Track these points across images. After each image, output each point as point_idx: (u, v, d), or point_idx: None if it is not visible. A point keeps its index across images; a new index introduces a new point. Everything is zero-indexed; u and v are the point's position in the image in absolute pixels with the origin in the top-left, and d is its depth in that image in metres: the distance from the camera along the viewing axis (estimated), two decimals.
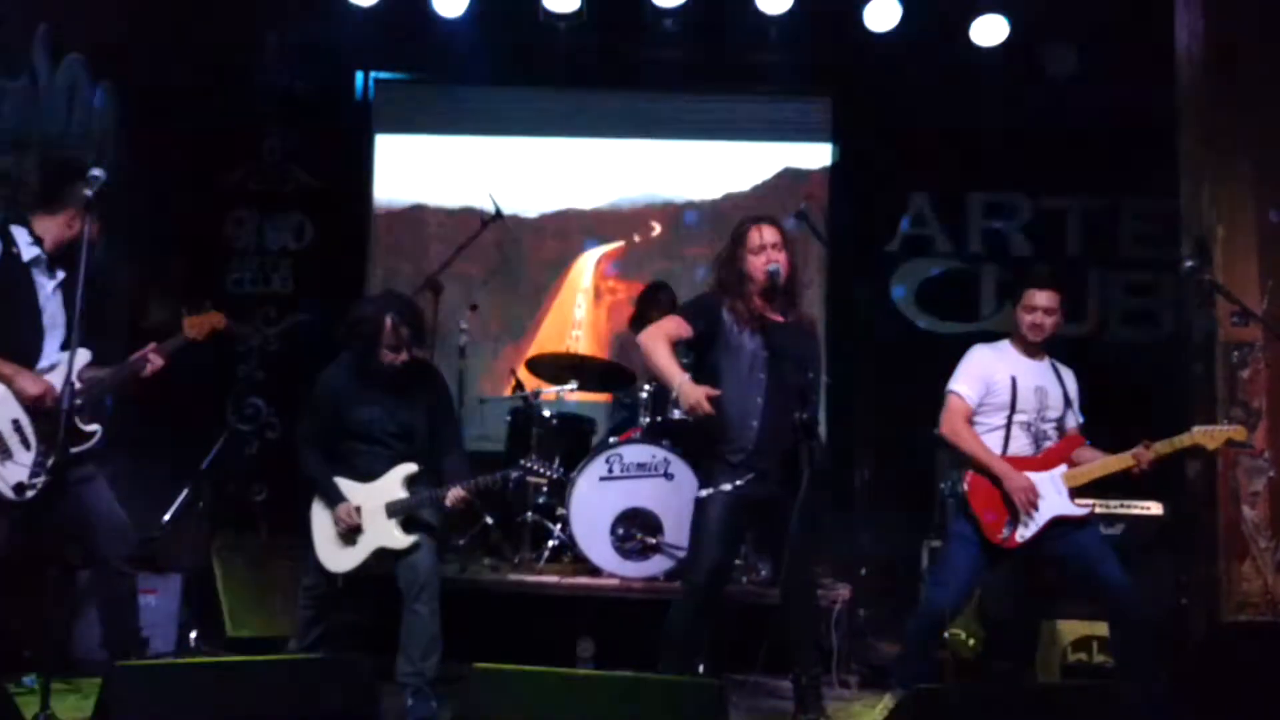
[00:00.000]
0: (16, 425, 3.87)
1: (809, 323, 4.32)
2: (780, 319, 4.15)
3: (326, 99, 7.23)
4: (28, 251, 3.96)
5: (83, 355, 4.04)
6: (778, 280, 4.05)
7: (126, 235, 5.89)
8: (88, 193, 3.72)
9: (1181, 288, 5.67)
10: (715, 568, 4.07)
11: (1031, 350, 4.39)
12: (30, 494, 3.82)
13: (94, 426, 4.03)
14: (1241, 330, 5.09)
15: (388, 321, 4.38)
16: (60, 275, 4.05)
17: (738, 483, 4.04)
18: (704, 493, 4.10)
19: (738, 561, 5.28)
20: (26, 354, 3.95)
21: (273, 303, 7.16)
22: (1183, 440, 4.21)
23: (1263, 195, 5.26)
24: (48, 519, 4.02)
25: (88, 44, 6.07)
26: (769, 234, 4.10)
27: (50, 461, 3.80)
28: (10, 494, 3.81)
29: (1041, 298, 4.31)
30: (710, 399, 3.92)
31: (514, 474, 4.54)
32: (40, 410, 3.88)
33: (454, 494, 4.41)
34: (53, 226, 4.02)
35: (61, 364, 3.87)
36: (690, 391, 3.88)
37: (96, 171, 3.78)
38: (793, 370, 4.04)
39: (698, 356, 4.21)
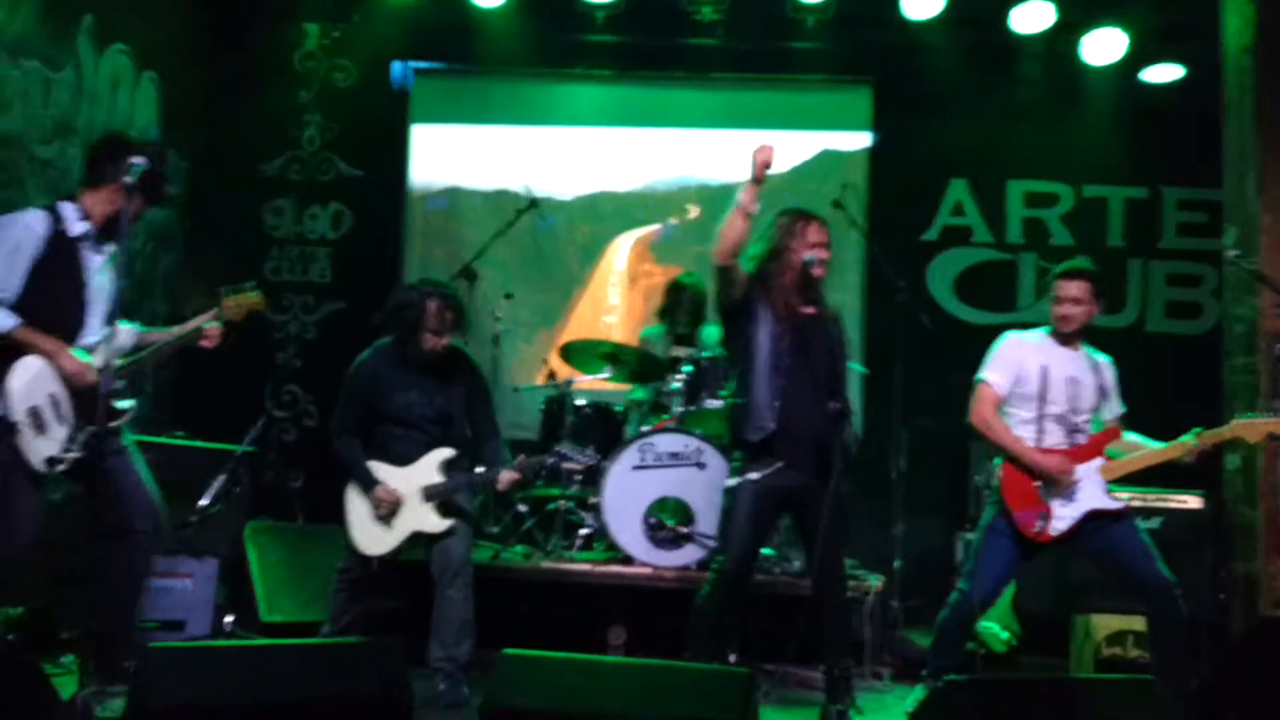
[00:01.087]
0: (54, 400, 3.91)
1: (833, 313, 4.30)
2: (810, 310, 4.14)
3: (364, 89, 7.27)
4: (76, 228, 4.00)
5: (127, 334, 4.12)
6: (814, 273, 4.05)
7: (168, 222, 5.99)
8: (128, 179, 3.76)
9: (1224, 278, 5.58)
10: (743, 556, 4.08)
11: (1066, 340, 4.33)
12: (60, 468, 3.86)
13: (128, 403, 4.06)
14: None
15: (431, 306, 4.42)
16: (108, 250, 4.09)
17: (766, 471, 4.04)
18: (732, 481, 4.12)
19: (769, 551, 5.30)
20: (71, 329, 3.99)
21: (311, 291, 7.22)
22: (1223, 432, 4.14)
23: None
24: (83, 493, 4.10)
25: (132, 35, 6.15)
26: (819, 232, 4.13)
27: (83, 437, 3.84)
28: (41, 467, 3.86)
29: (1071, 288, 4.26)
30: (740, 384, 4.06)
31: (549, 460, 4.56)
32: (78, 387, 3.93)
33: (506, 476, 4.44)
34: (99, 202, 4.04)
35: (104, 339, 3.91)
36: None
37: (138, 159, 3.82)
38: (821, 360, 4.05)
39: (731, 328, 4.21)
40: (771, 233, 4.18)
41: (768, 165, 3.97)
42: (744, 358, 4.11)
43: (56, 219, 3.97)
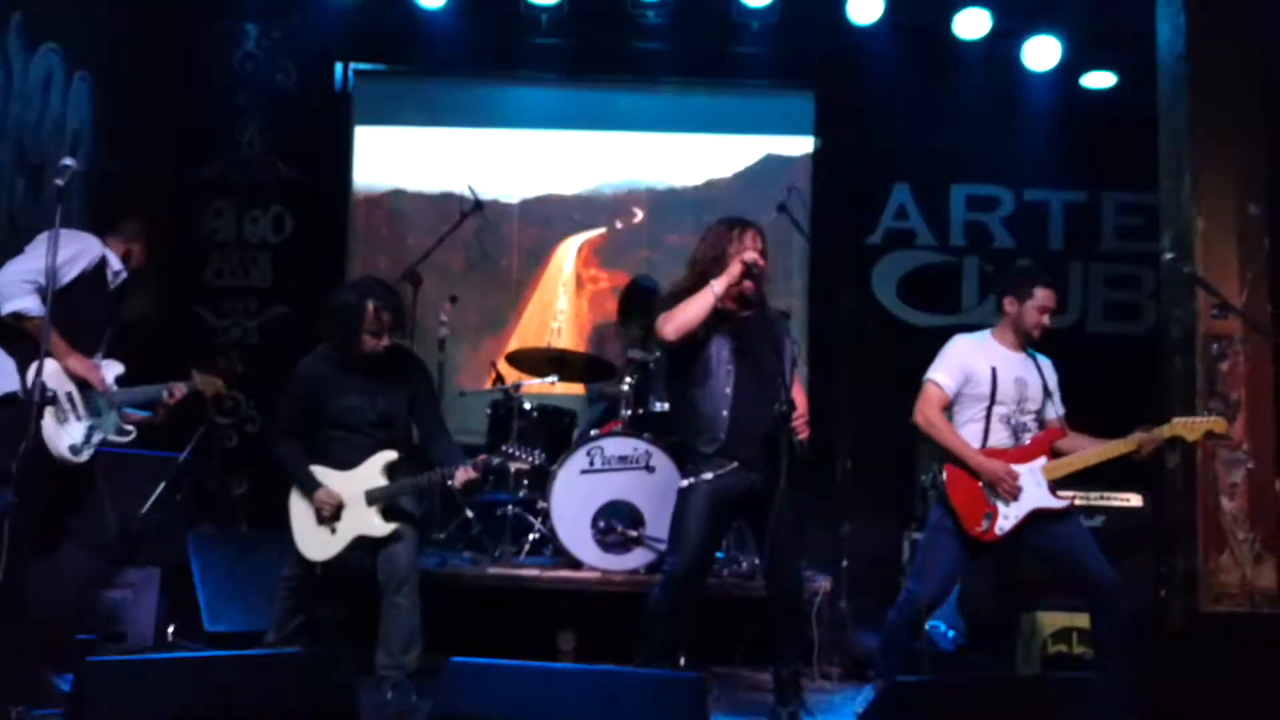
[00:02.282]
0: (70, 398, 4.10)
1: (775, 313, 4.30)
2: (749, 313, 4.14)
3: (306, 90, 7.17)
4: (115, 263, 4.29)
5: (116, 367, 4.31)
6: (757, 277, 4.05)
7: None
8: (59, 182, 3.71)
9: (1162, 281, 5.68)
10: (694, 558, 4.05)
11: (1012, 342, 4.39)
12: (83, 456, 4.09)
13: (131, 427, 4.32)
14: (1221, 323, 5.11)
15: (369, 306, 4.37)
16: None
17: (719, 472, 4.03)
18: (685, 482, 4.10)
19: (719, 554, 5.29)
20: (83, 348, 4.19)
21: (252, 295, 7.11)
22: (1163, 431, 4.22)
23: (1242, 188, 5.28)
24: (51, 496, 4.10)
25: (64, 34, 6.00)
26: (756, 239, 4.13)
27: (98, 436, 4.14)
28: (67, 454, 4.04)
29: (1052, 298, 4.36)
30: (686, 392, 4.04)
31: (495, 460, 4.52)
32: (88, 388, 4.14)
33: (463, 474, 4.39)
34: (118, 249, 4.35)
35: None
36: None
37: (68, 161, 3.77)
38: (767, 360, 4.05)
39: (671, 350, 4.19)
40: (710, 240, 4.17)
41: (755, 266, 3.96)
42: (691, 368, 4.09)
43: (104, 261, 4.23)
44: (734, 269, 3.97)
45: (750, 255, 4.01)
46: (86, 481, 4.18)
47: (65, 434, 4.06)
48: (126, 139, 6.63)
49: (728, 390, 4.03)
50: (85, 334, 4.16)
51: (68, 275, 4.03)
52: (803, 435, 4.02)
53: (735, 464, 4.02)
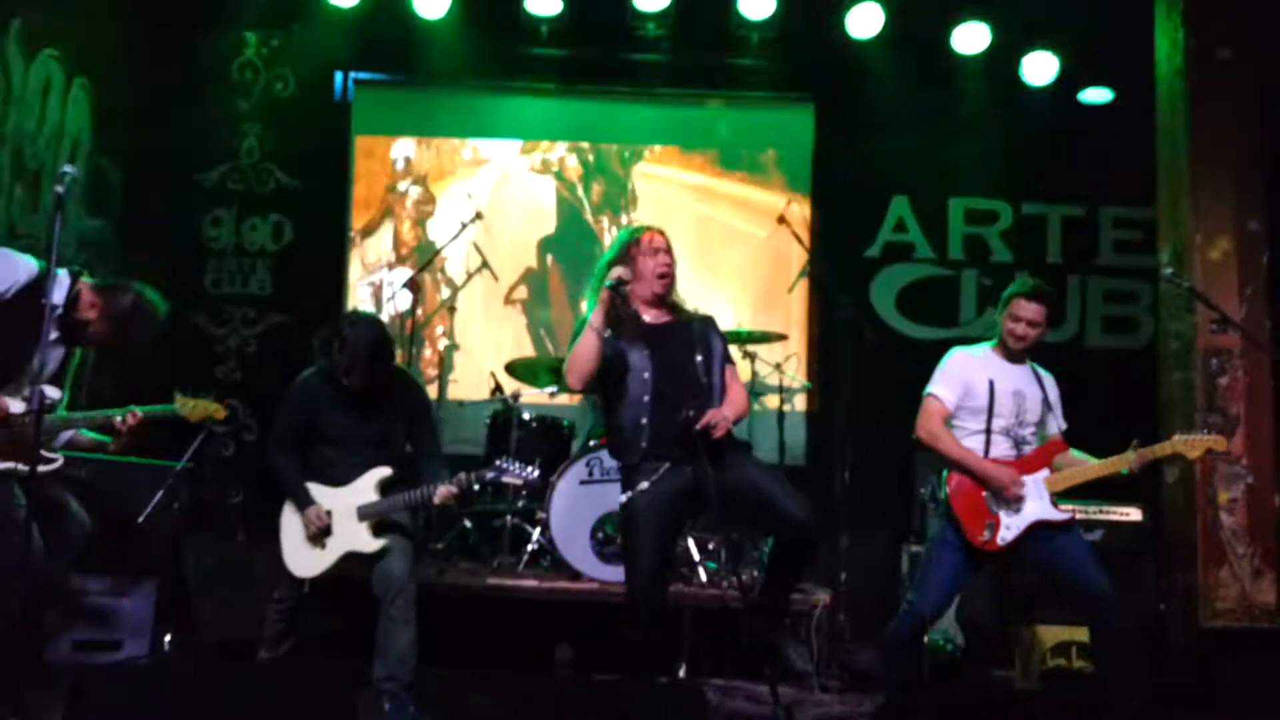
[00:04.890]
0: None
1: (700, 317, 4.17)
2: (666, 319, 4.08)
3: (305, 99, 7.17)
4: (55, 296, 3.93)
5: (50, 393, 3.99)
6: (624, 295, 3.95)
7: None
8: (59, 189, 3.69)
9: (1159, 295, 5.69)
10: (651, 572, 3.91)
11: (1011, 355, 4.38)
12: None
13: (55, 455, 4.05)
14: (1220, 337, 5.12)
15: (360, 353, 4.33)
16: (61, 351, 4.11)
17: (653, 478, 3.90)
18: (624, 497, 3.97)
19: (711, 565, 5.29)
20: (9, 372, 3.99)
21: (251, 304, 7.09)
22: (1164, 448, 4.21)
23: (1241, 203, 5.30)
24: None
25: (63, 40, 5.99)
26: (660, 239, 4.09)
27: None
28: None
29: (1029, 310, 4.29)
30: (612, 411, 3.99)
31: (489, 475, 4.49)
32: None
33: (443, 491, 4.37)
34: (88, 299, 4.07)
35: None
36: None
37: (68, 168, 3.76)
38: (685, 365, 3.97)
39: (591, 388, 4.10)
40: (617, 250, 4.09)
41: (616, 290, 3.89)
42: (610, 384, 3.99)
43: (43, 278, 3.91)
44: (602, 295, 3.89)
45: (614, 274, 3.93)
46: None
47: None
48: (125, 146, 6.63)
49: (645, 399, 3.93)
50: (5, 360, 3.95)
51: None
52: (717, 434, 3.86)
53: (666, 464, 3.90)
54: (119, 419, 4.10)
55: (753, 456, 4.12)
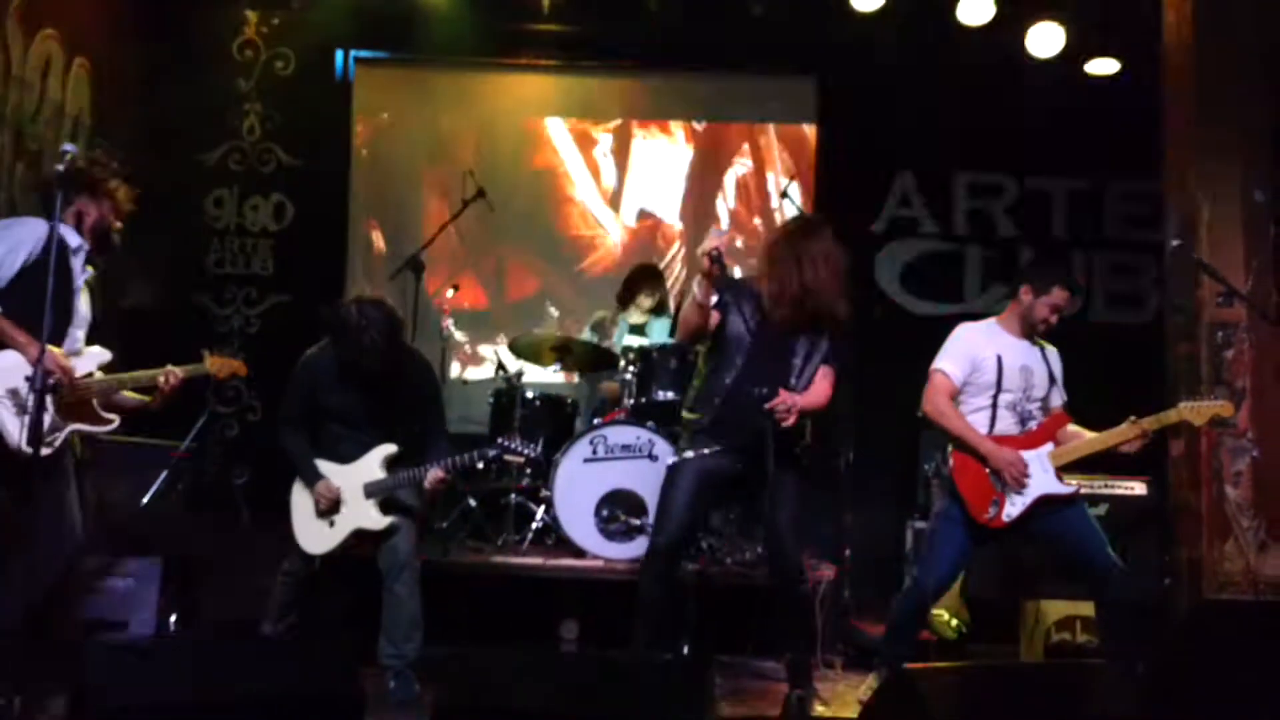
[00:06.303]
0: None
1: (830, 326, 4.21)
2: (787, 317, 4.12)
3: (306, 77, 7.14)
4: (72, 239, 4.04)
5: (103, 354, 4.14)
6: (719, 260, 4.01)
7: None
8: (59, 167, 3.68)
9: (1165, 268, 5.66)
10: (677, 530, 4.12)
11: (1018, 330, 4.38)
12: (45, 450, 3.79)
13: (112, 416, 4.11)
14: (1226, 310, 5.09)
15: (364, 342, 4.32)
16: (90, 271, 4.15)
17: (704, 451, 4.10)
18: (673, 459, 4.21)
19: (715, 541, 5.31)
20: (51, 340, 3.90)
21: (253, 283, 7.09)
22: (1169, 416, 4.21)
23: (1248, 175, 5.25)
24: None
25: (62, 19, 5.96)
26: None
27: (64, 433, 3.93)
28: (24, 445, 3.78)
29: (1067, 299, 4.35)
30: (708, 365, 4.17)
31: (491, 452, 4.51)
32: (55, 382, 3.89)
33: (432, 475, 4.39)
34: (92, 211, 4.12)
35: (82, 351, 4.08)
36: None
37: (69, 146, 3.74)
38: (780, 353, 4.10)
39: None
40: (787, 249, 4.13)
41: (715, 261, 3.94)
42: (715, 346, 4.17)
43: (61, 242, 3.94)
44: (704, 267, 3.99)
45: (705, 245, 4.02)
46: (52, 477, 3.95)
47: (24, 425, 3.80)
48: (126, 126, 6.60)
49: (727, 380, 4.09)
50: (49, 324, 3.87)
51: (10, 269, 3.88)
52: (786, 422, 3.97)
53: (719, 447, 4.08)
54: (160, 379, 4.16)
55: (799, 480, 4.17)
